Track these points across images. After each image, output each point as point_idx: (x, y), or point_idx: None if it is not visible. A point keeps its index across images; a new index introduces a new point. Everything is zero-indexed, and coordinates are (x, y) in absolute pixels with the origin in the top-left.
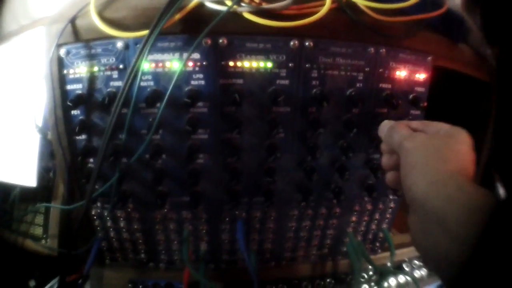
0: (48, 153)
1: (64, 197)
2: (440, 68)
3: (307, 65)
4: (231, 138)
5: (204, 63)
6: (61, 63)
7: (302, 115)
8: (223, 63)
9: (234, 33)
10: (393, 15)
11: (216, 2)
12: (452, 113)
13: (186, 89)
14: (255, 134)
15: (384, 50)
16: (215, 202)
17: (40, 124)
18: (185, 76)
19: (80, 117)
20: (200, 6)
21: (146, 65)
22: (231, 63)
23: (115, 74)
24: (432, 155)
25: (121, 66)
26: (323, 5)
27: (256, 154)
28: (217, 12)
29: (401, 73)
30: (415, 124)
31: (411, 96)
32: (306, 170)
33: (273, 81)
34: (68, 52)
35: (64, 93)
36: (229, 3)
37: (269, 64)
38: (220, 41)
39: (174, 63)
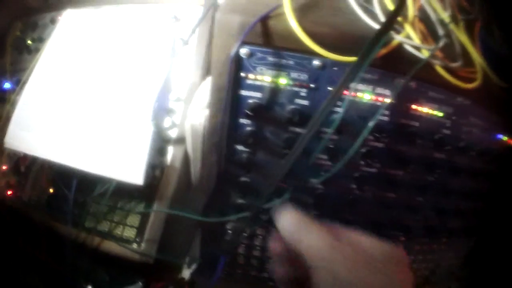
0: (157, 149)
1: (172, 200)
2: None
3: (462, 121)
4: (396, 174)
5: (391, 100)
6: (238, 64)
7: (455, 162)
8: (407, 104)
9: (420, 79)
10: None
11: (414, 47)
12: None
13: (371, 123)
14: (417, 173)
15: None
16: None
17: (154, 116)
18: (373, 110)
19: (250, 128)
20: (399, 46)
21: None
22: (413, 106)
23: (303, 92)
24: None
25: (312, 85)
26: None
27: (411, 192)
28: (413, 57)
29: None
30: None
31: None
32: (440, 210)
33: (440, 129)
34: (251, 54)
35: (235, 98)
36: (425, 52)
37: (440, 114)
38: (410, 84)
39: (365, 95)
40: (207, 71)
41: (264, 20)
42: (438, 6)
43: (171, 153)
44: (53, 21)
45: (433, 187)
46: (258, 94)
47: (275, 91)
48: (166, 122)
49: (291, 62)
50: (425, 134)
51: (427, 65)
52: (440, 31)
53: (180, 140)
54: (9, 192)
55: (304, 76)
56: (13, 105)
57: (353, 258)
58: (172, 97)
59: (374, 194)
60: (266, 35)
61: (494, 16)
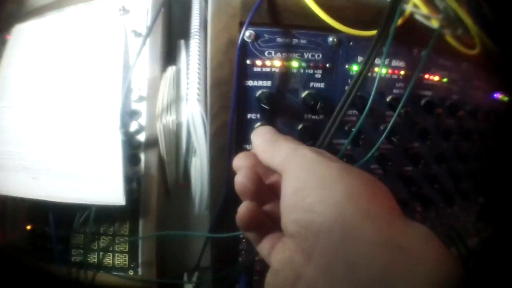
0: (128, 159)
1: (158, 212)
2: None
3: (467, 85)
4: (413, 147)
5: (405, 72)
6: (243, 50)
7: (465, 126)
8: (421, 74)
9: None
10: None
11: (424, 17)
12: None
13: (389, 97)
14: (433, 143)
15: None
16: None
17: (120, 122)
18: (389, 84)
19: (260, 123)
20: (411, 16)
21: (355, 68)
22: (426, 76)
23: (318, 73)
24: None
25: (327, 65)
26: None
27: (429, 162)
28: (423, 27)
29: None
30: None
31: None
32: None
33: (450, 96)
34: (257, 36)
35: (242, 90)
36: (434, 21)
37: (445, 79)
38: (422, 53)
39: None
40: (165, 63)
41: None
42: None
43: (143, 160)
44: (3, 42)
45: (448, 153)
46: (268, 83)
47: (287, 76)
48: (133, 127)
49: (303, 41)
50: (438, 102)
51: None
52: None
53: (152, 144)
54: None
55: (318, 56)
56: None
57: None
58: (134, 96)
59: (395, 171)
60: (273, 13)
61: None
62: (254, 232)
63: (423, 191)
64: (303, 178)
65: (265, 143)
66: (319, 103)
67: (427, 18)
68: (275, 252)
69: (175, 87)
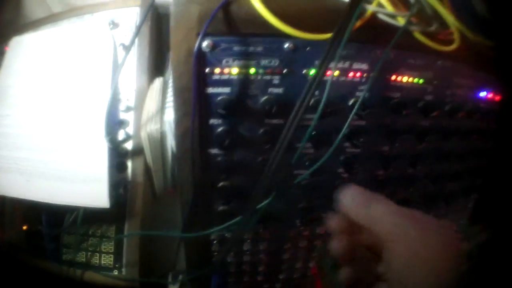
0: (115, 166)
1: (142, 217)
2: None
3: (445, 84)
4: (383, 150)
5: (368, 75)
6: (202, 59)
7: (444, 126)
8: (387, 75)
9: (398, 47)
10: None
11: (389, 16)
12: None
13: (352, 101)
14: (405, 145)
15: None
16: None
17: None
18: (352, 86)
19: (222, 128)
20: (374, 16)
21: (313, 72)
22: (393, 77)
23: (276, 79)
24: None
25: (285, 71)
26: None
27: (402, 165)
28: (388, 26)
29: None
30: None
31: None
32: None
33: (423, 96)
34: (215, 46)
35: (202, 97)
36: (400, 20)
37: (421, 81)
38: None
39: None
40: (153, 74)
41: (225, 6)
42: None
43: (130, 167)
44: (1, 53)
45: (425, 155)
46: (227, 90)
47: (245, 83)
48: (120, 135)
49: (259, 49)
50: (408, 103)
51: (404, 32)
52: None
53: (138, 152)
54: None
55: (275, 62)
56: None
57: (425, 230)
58: (122, 107)
59: (364, 174)
60: (229, 23)
61: None
62: None
63: (399, 195)
64: (411, 263)
65: (359, 208)
66: (274, 107)
67: (392, 16)
68: None
69: (161, 97)
